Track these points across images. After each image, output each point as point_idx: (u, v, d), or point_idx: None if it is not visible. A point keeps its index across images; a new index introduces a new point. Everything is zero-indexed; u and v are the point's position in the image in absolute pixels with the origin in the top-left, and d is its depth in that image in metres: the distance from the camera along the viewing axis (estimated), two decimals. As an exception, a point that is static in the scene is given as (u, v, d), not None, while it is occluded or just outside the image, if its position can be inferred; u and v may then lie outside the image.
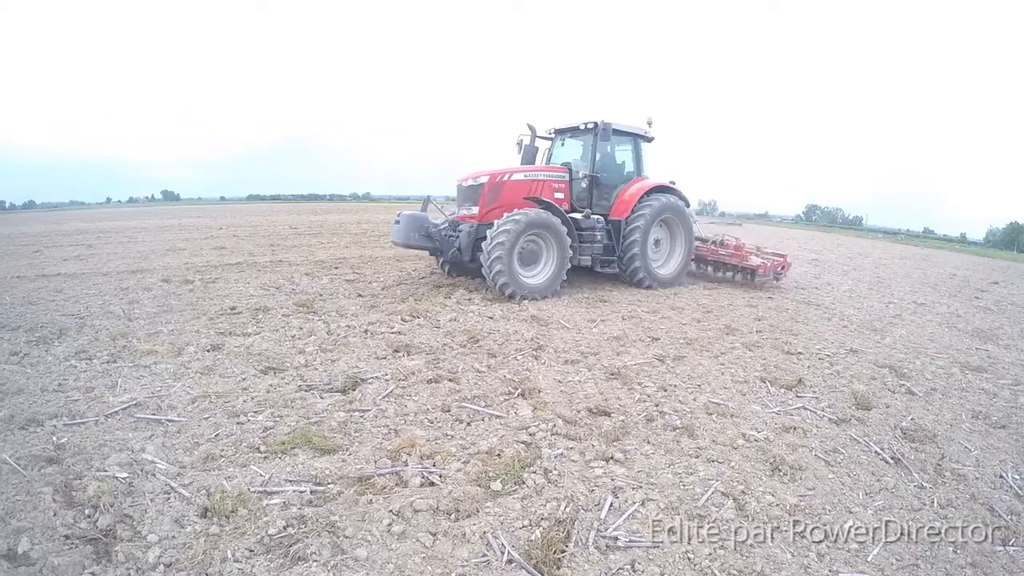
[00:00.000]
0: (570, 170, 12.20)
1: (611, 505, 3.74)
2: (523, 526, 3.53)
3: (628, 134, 12.81)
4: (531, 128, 13.23)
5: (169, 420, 5.03)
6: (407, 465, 4.16)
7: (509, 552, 3.28)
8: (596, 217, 11.81)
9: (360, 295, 10.45)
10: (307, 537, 3.37)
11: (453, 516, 3.62)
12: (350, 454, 4.39)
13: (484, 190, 11.12)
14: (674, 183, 12.91)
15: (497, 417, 5.08)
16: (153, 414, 5.16)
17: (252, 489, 3.88)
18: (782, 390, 6.01)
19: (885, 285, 14.60)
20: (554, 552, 3.29)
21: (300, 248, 18.36)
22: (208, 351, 6.98)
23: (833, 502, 4.00)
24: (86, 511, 3.68)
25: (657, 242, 12.66)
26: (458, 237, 10.96)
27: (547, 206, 11.02)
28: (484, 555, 3.28)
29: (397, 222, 11.17)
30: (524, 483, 3.96)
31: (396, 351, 6.93)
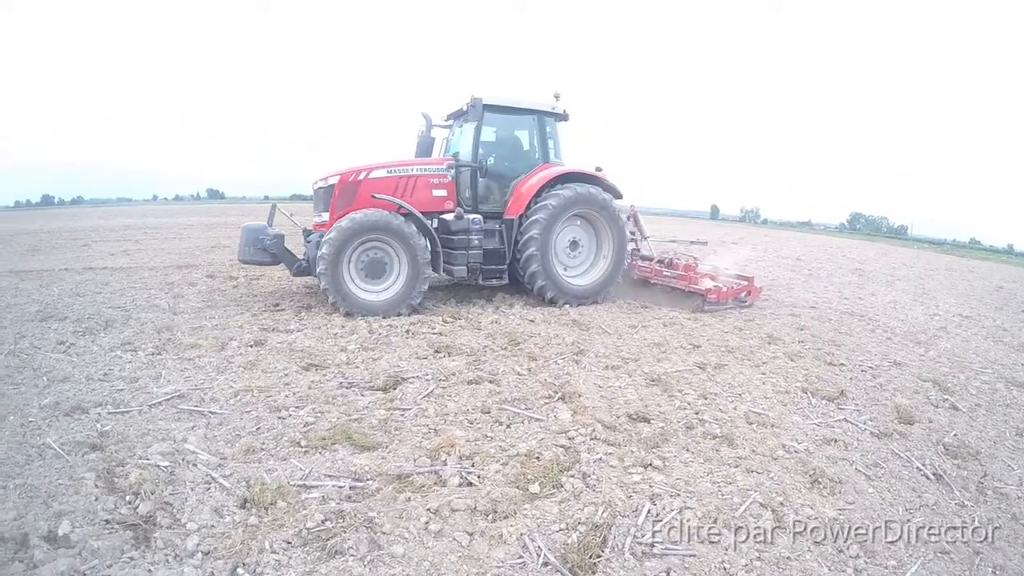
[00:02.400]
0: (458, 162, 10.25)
1: (648, 512, 3.72)
2: (560, 529, 3.52)
3: (525, 111, 10.66)
4: (425, 117, 11.13)
5: (211, 412, 5.12)
6: (446, 464, 4.18)
7: (545, 555, 3.28)
8: (474, 217, 9.65)
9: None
10: (345, 532, 3.41)
11: (490, 517, 3.63)
12: (390, 452, 4.43)
13: (335, 192, 9.45)
14: (600, 169, 10.84)
15: (537, 420, 5.08)
16: (196, 406, 5.27)
17: (292, 482, 3.94)
18: (823, 401, 5.90)
19: (930, 296, 14.25)
20: (590, 557, 3.28)
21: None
22: (251, 346, 7.11)
23: (872, 517, 3.92)
24: (127, 497, 3.78)
25: (574, 244, 10.52)
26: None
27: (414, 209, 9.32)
28: (520, 557, 3.28)
29: None
30: (562, 487, 3.96)
31: (437, 351, 6.97)
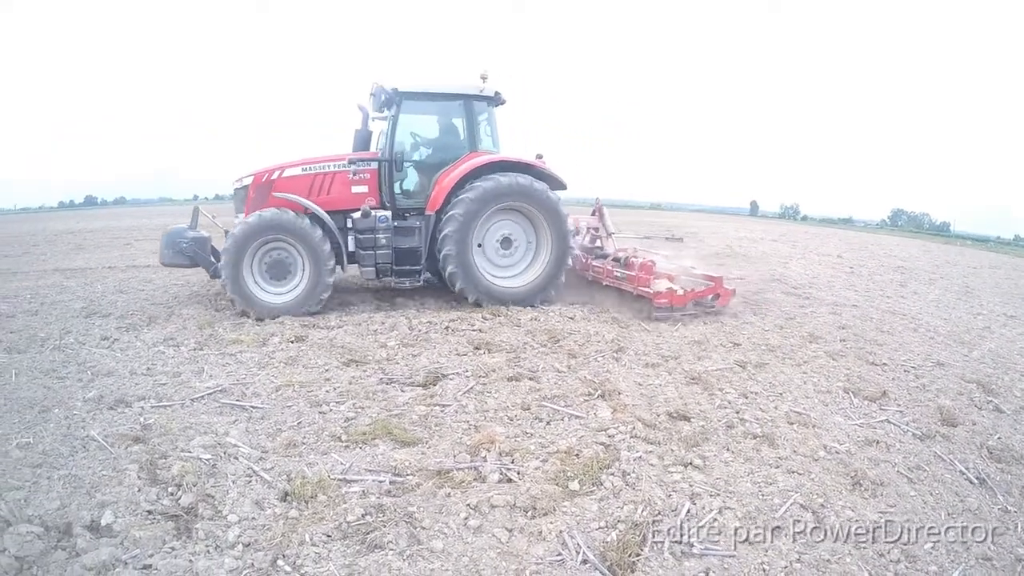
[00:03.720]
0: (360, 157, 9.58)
1: (688, 511, 3.70)
2: (599, 527, 3.52)
3: (448, 97, 9.82)
4: (361, 109, 10.00)
5: (253, 407, 5.22)
6: (486, 461, 4.21)
7: (584, 552, 3.29)
8: (381, 215, 9.08)
9: (438, 296, 10.13)
10: (384, 526, 3.45)
11: (530, 513, 3.65)
12: (430, 447, 4.47)
13: (249, 193, 9.17)
14: (541, 157, 10.05)
15: (576, 417, 5.07)
16: (238, 400, 5.37)
17: (332, 476, 4.00)
18: (865, 402, 5.80)
19: (974, 295, 13.88)
20: (629, 555, 3.28)
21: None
22: (292, 342, 7.21)
23: (914, 521, 3.85)
24: (169, 489, 3.86)
25: (507, 241, 9.65)
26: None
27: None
28: (559, 554, 3.29)
29: None
30: (602, 484, 3.95)
31: (477, 348, 6.99)
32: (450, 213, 9.00)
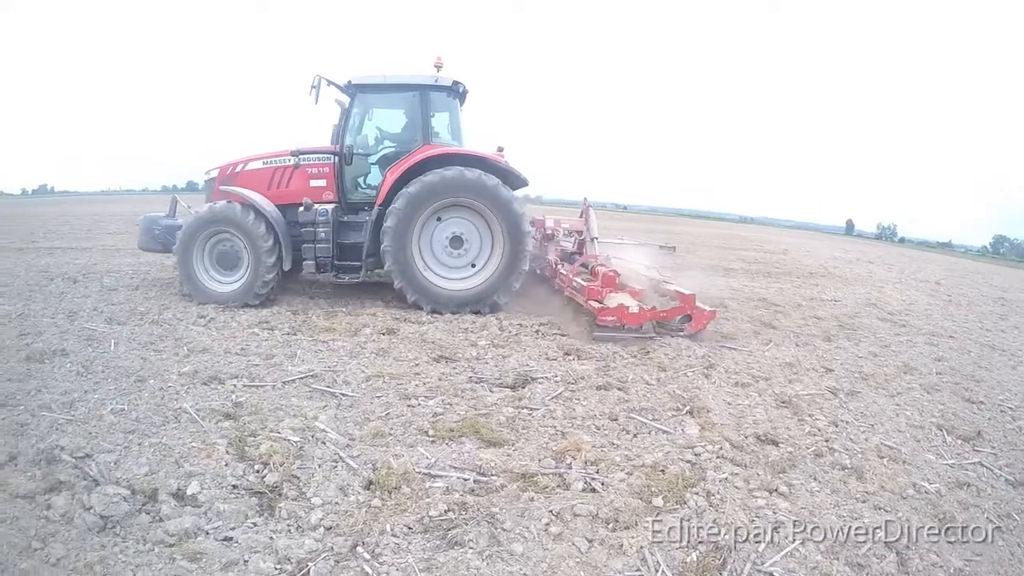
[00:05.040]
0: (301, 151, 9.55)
1: (770, 539, 3.63)
2: (680, 547, 3.50)
3: (402, 88, 9.60)
4: (340, 104, 9.93)
5: (343, 394, 5.37)
6: (571, 468, 4.22)
7: (663, 571, 3.28)
8: (321, 208, 8.98)
9: (523, 296, 9.84)
10: (466, 524, 3.51)
11: (611, 526, 3.64)
12: (516, 449, 4.51)
13: (215, 185, 9.45)
14: (502, 149, 9.81)
15: (664, 432, 5.02)
16: (328, 387, 5.53)
17: (417, 470, 4.08)
18: (959, 441, 5.57)
19: (1083, 333, 13.05)
20: (708, 578, 3.22)
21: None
22: (383, 334, 7.38)
23: (1000, 572, 3.71)
24: (256, 467, 4.04)
25: (457, 240, 9.19)
26: None
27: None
28: (638, 570, 3.30)
29: None
30: (685, 503, 3.91)
31: (567, 354, 6.99)
32: (390, 208, 8.78)
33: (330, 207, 9.04)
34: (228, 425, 4.67)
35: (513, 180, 9.26)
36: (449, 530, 3.45)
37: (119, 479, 3.82)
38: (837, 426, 5.53)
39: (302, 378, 5.72)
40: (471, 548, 3.30)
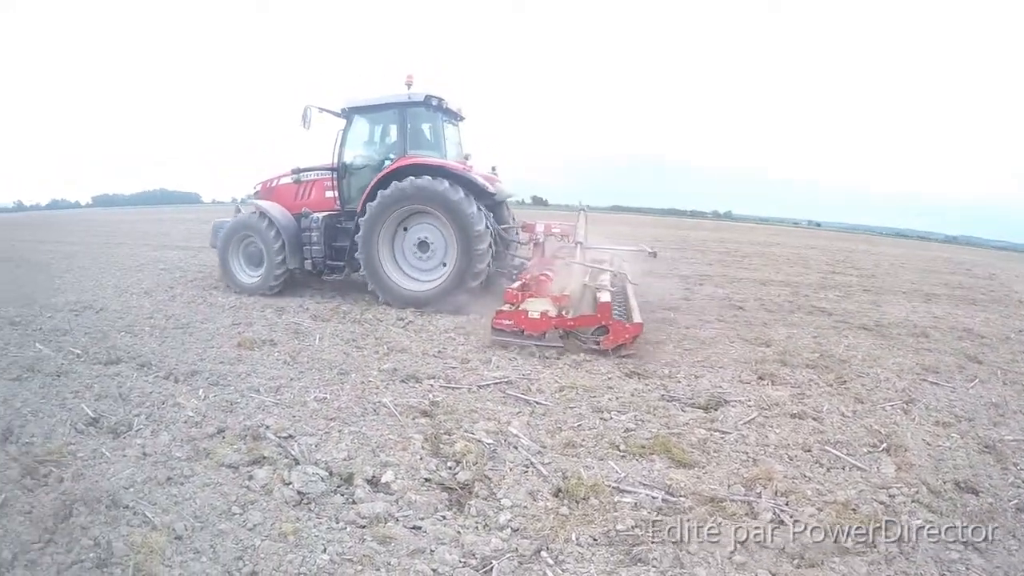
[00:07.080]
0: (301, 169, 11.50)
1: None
2: (865, 594, 3.32)
3: (383, 107, 10.71)
4: (338, 114, 11.21)
5: (536, 402, 5.55)
6: (760, 497, 4.10)
7: (844, 616, 3.12)
8: (314, 215, 10.61)
9: (720, 319, 10.02)
10: (651, 542, 3.52)
11: (796, 562, 3.51)
12: (706, 472, 4.44)
13: (259, 198, 11.56)
14: (495, 169, 11.57)
15: (858, 469, 4.75)
16: (522, 394, 5.74)
17: (607, 483, 4.13)
18: None
19: None
20: (888, 630, 3.07)
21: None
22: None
23: None
24: (449, 463, 4.28)
25: (423, 244, 10.04)
26: None
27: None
28: (821, 611, 3.16)
29: None
30: (875, 547, 3.70)
31: (761, 378, 6.78)
32: (361, 218, 10.02)
33: (322, 215, 10.68)
34: (424, 422, 4.99)
35: (472, 189, 9.82)
36: (634, 546, 3.47)
37: (318, 460, 4.22)
38: (1044, 478, 4.99)
39: (496, 383, 5.97)
40: (654, 567, 3.31)
